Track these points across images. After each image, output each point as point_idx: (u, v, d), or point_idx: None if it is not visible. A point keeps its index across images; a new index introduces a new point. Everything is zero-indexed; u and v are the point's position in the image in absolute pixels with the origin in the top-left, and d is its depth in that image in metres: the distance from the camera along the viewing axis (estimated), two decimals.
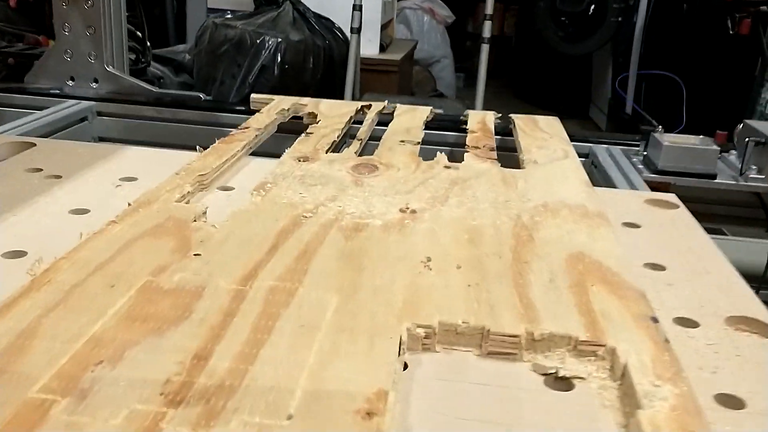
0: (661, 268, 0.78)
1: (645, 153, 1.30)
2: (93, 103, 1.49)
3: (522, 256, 0.74)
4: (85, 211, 0.85)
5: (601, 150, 1.33)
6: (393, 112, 1.31)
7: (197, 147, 0.99)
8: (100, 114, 1.48)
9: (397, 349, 0.58)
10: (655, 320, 0.64)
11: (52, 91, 1.57)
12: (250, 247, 0.72)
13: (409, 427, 0.52)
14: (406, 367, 0.59)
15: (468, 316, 0.62)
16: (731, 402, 0.56)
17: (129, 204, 0.81)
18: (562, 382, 0.58)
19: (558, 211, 0.86)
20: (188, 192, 0.85)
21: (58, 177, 0.94)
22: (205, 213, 0.80)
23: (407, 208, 0.84)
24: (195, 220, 0.78)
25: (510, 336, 0.60)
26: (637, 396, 0.53)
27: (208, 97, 1.50)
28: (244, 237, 0.75)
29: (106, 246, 0.71)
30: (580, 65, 4.67)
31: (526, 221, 0.83)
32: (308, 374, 0.53)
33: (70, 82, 1.61)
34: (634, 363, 0.57)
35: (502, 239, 0.78)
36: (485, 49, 3.24)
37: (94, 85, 1.60)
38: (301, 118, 1.29)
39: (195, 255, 0.70)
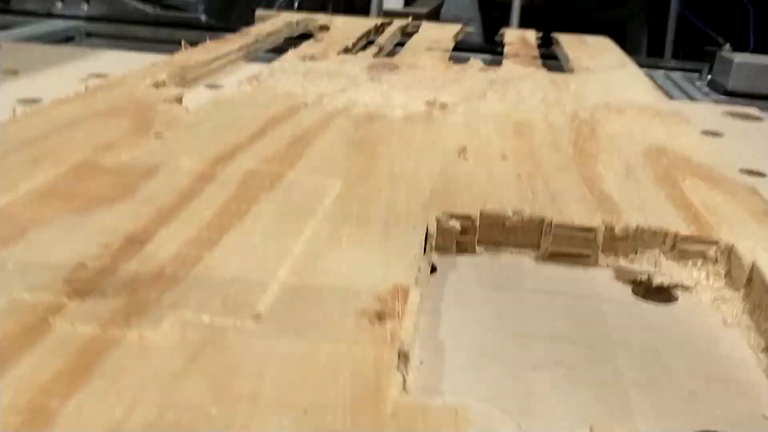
0: (760, 174, 0.60)
1: (710, 76, 1.11)
2: (81, 22, 1.32)
3: (586, 149, 0.56)
4: (37, 100, 0.68)
5: (658, 75, 1.14)
6: (418, 29, 1.13)
7: (182, 41, 0.82)
8: (89, 35, 1.31)
9: (422, 242, 0.40)
10: None
11: (38, 11, 1.40)
12: (230, 131, 0.55)
13: (442, 344, 0.35)
14: (434, 270, 0.42)
15: (521, 205, 0.45)
16: None
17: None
18: (657, 294, 0.41)
19: (624, 110, 0.68)
20: (162, 81, 0.68)
21: (15, 72, 0.78)
22: (180, 100, 0.63)
23: (435, 102, 0.67)
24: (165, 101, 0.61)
25: (582, 229, 0.43)
26: None
27: (210, 19, 1.33)
28: (223, 121, 0.58)
29: (42, 122, 0.54)
30: (614, 33, 4.44)
31: (586, 118, 0.65)
32: (292, 266, 0.36)
33: (60, 4, 1.44)
34: (767, 263, 0.39)
35: (557, 133, 0.60)
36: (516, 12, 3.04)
37: (85, 6, 1.43)
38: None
39: (155, 134, 0.53)
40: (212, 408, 0.26)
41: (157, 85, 0.67)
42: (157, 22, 1.30)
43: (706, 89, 1.08)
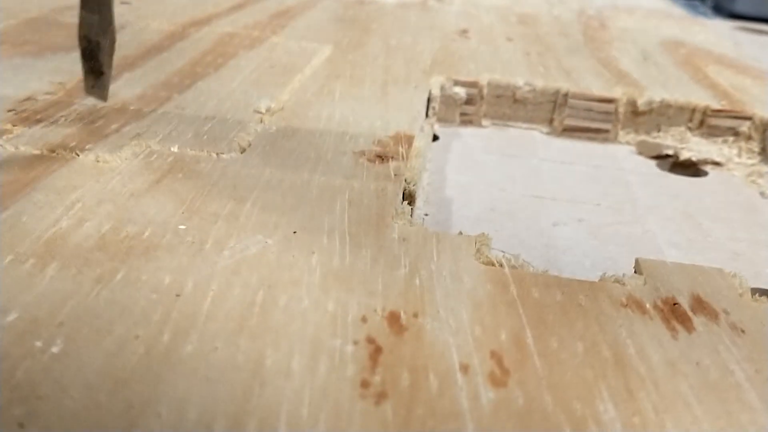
0: None
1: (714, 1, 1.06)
2: None
3: (598, 37, 0.52)
4: None
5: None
6: None
7: None
8: None
9: (425, 102, 0.36)
10: None
11: None
12: (206, 4, 0.49)
13: (449, 200, 0.30)
14: (435, 139, 0.37)
15: (533, 78, 0.40)
16: None
17: None
18: (684, 169, 0.36)
19: (633, 10, 0.63)
20: None
21: None
22: None
23: None
24: None
25: (601, 100, 0.38)
26: None
27: None
28: None
29: None
30: None
31: (593, 14, 0.60)
32: (277, 111, 0.31)
33: None
34: None
35: (564, 24, 0.55)
36: None
37: None
38: None
39: (122, 2, 0.47)
40: (181, 224, 0.21)
41: None
42: None
43: (711, 13, 1.03)
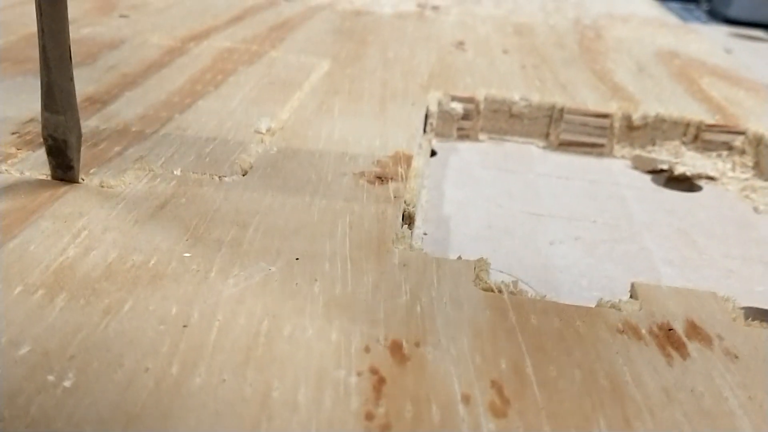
0: None
1: (709, 2, 1.06)
2: None
3: (593, 48, 0.52)
4: None
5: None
6: None
7: None
8: None
9: (423, 118, 0.36)
10: None
11: None
12: (204, 16, 0.50)
13: (447, 218, 0.31)
14: (434, 154, 0.37)
15: (529, 93, 0.40)
16: None
17: None
18: (679, 184, 0.37)
19: (628, 19, 0.64)
20: None
21: None
22: None
23: (427, 4, 0.62)
24: None
25: (597, 116, 0.39)
26: None
27: None
28: (196, 8, 0.52)
29: None
30: None
31: (589, 24, 0.60)
32: (278, 131, 0.31)
33: None
34: None
35: (560, 34, 0.56)
36: None
37: None
38: None
39: (121, 16, 0.48)
40: (185, 252, 0.21)
41: None
42: None
43: (705, 18, 1.04)
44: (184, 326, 0.18)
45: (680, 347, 0.19)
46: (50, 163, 0.24)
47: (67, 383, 0.16)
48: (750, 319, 0.21)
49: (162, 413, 0.15)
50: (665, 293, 0.22)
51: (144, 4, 0.51)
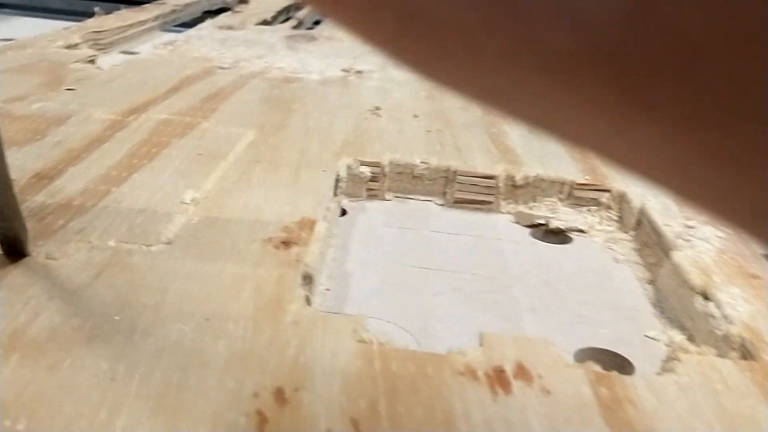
0: None
1: None
2: None
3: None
4: None
5: None
6: None
7: (95, 9, 0.81)
8: (1, 6, 1.26)
9: (332, 185, 0.42)
10: None
11: None
12: (144, 88, 0.55)
13: (348, 274, 0.36)
14: (344, 213, 0.43)
15: (429, 156, 0.46)
16: None
17: None
18: (554, 237, 0.43)
19: None
20: (75, 44, 0.67)
21: None
22: (93, 61, 0.63)
23: (351, 69, 0.68)
24: (77, 62, 0.60)
25: (484, 177, 0.45)
26: (666, 239, 0.38)
27: None
28: (137, 80, 0.57)
29: None
30: None
31: None
32: (200, 201, 0.36)
33: None
34: (654, 206, 0.41)
35: None
36: None
37: None
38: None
39: (67, 90, 0.52)
40: (116, 315, 0.26)
41: (69, 47, 0.66)
42: None
43: None
44: (112, 379, 0.23)
45: (506, 385, 0.25)
46: (3, 249, 0.29)
47: (20, 427, 0.21)
48: (587, 358, 0.27)
49: None
50: (505, 340, 0.27)
51: (89, 77, 0.56)
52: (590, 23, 0.07)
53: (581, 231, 0.43)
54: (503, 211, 0.45)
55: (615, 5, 0.07)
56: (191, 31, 0.78)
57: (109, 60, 0.69)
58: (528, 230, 0.43)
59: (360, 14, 0.10)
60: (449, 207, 0.45)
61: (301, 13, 1.00)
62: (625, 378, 0.26)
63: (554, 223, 0.43)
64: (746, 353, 0.29)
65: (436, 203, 0.45)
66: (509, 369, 0.26)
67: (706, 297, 0.33)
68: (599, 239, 0.43)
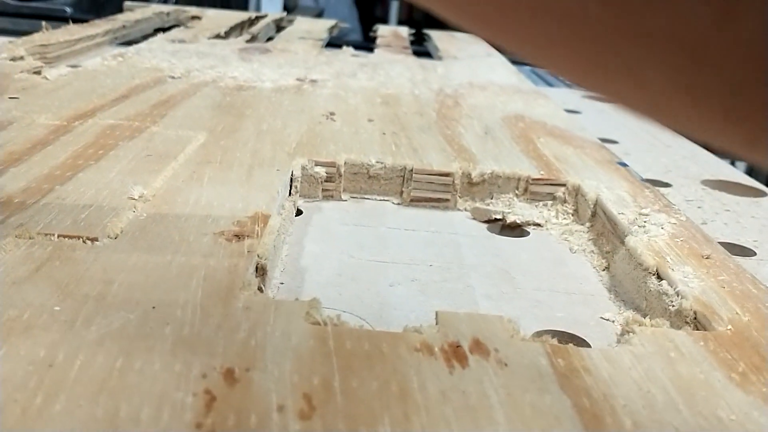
0: (614, 141, 0.64)
1: None
2: None
3: (449, 115, 0.59)
4: None
5: (524, 70, 1.20)
6: (293, 23, 1.14)
7: (43, 24, 0.79)
8: None
9: (287, 183, 0.41)
10: (624, 165, 0.50)
11: None
12: (91, 96, 0.54)
13: (303, 269, 0.35)
14: (300, 213, 0.42)
15: (384, 157, 0.46)
16: (735, 250, 0.42)
17: None
18: (511, 231, 0.43)
19: (486, 87, 0.71)
20: (21, 56, 0.66)
21: None
22: (39, 73, 0.61)
23: (306, 78, 0.68)
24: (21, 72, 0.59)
25: (440, 175, 0.44)
26: (621, 226, 0.38)
27: (76, 13, 1.27)
28: (84, 88, 0.56)
29: None
30: None
31: (450, 93, 0.67)
32: (152, 199, 0.35)
33: None
34: (608, 197, 0.42)
35: (422, 103, 0.62)
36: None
37: None
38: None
39: (10, 98, 0.51)
40: (56, 306, 0.25)
41: (14, 59, 0.64)
42: (18, 14, 1.23)
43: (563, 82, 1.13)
44: (50, 365, 0.22)
45: (462, 359, 0.24)
46: None
47: None
48: (543, 336, 0.26)
49: None
50: (461, 318, 0.27)
51: (34, 86, 0.55)
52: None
53: (538, 225, 0.43)
54: (460, 208, 0.45)
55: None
56: (142, 44, 0.77)
57: (56, 72, 0.68)
58: (485, 226, 0.43)
59: None
60: (406, 206, 0.44)
61: (256, 28, 1.00)
62: (582, 350, 0.25)
63: (511, 218, 0.43)
64: (699, 326, 0.29)
65: (392, 202, 0.45)
66: (465, 345, 0.25)
67: (659, 277, 0.33)
68: (555, 232, 0.42)
